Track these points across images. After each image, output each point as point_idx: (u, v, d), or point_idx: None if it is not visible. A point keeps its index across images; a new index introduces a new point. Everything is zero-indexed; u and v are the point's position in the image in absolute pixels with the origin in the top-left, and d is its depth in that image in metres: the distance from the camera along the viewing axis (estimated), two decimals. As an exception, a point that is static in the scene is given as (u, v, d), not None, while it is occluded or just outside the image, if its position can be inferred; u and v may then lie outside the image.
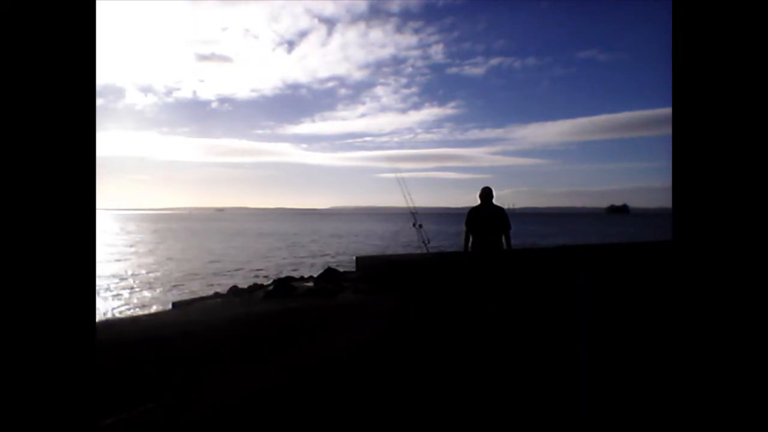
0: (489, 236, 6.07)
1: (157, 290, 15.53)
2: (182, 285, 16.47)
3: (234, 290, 12.41)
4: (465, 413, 2.99)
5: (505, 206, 6.72)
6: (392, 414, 3.00)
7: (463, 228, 6.40)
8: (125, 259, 25.50)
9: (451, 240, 31.48)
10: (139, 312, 11.59)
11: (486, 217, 6.15)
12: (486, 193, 6.35)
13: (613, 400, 3.08)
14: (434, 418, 2.92)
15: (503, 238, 6.05)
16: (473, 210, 6.36)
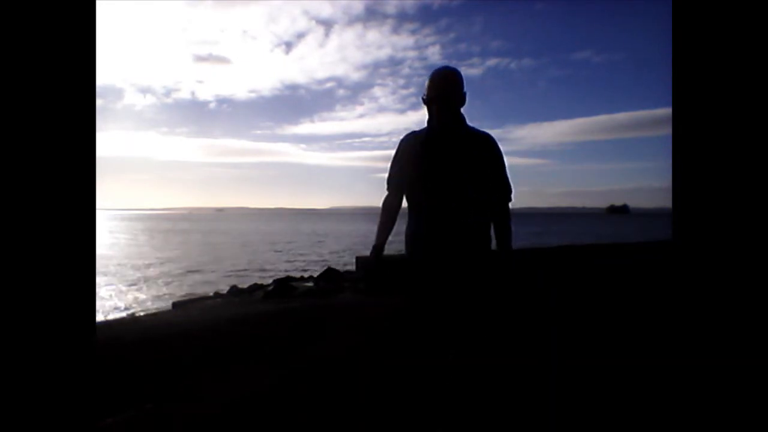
0: (456, 208, 2.41)
1: (157, 290, 15.53)
2: (182, 285, 16.47)
3: (234, 290, 12.43)
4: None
5: None
6: (392, 414, 3.00)
7: (385, 188, 2.70)
8: (125, 260, 25.48)
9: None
10: (138, 312, 11.58)
11: (450, 157, 2.37)
12: (446, 88, 2.32)
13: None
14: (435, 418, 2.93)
15: (491, 215, 2.50)
16: (412, 139, 2.52)
